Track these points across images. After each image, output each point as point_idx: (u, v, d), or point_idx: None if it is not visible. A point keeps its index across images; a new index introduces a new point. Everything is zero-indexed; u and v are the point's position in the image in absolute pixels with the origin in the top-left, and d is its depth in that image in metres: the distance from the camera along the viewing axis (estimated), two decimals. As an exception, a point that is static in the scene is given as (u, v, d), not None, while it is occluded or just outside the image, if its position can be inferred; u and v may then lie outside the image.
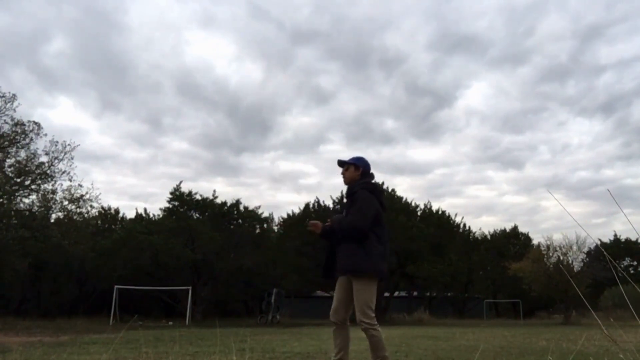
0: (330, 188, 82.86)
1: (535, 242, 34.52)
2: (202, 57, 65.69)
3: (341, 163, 3.89)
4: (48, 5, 55.50)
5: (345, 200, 3.99)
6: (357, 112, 70.04)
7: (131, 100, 62.61)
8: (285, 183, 68.06)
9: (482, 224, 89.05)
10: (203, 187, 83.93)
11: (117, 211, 30.50)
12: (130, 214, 30.18)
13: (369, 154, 68.15)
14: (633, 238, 37.63)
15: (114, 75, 59.19)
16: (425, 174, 67.52)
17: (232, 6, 65.00)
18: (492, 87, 70.09)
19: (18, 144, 20.40)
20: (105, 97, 59.45)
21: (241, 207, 28.23)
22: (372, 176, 3.90)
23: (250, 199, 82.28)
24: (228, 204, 27.90)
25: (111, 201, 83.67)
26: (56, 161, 20.79)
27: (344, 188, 3.94)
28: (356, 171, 3.82)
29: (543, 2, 62.54)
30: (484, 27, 63.38)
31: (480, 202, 66.59)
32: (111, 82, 60.13)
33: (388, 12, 63.53)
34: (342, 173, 3.89)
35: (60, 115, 59.70)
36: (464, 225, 33.16)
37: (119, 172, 62.65)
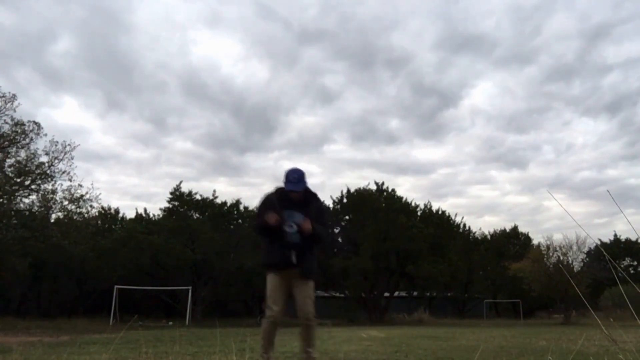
0: (333, 188, 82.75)
1: (535, 242, 34.55)
2: (208, 56, 65.84)
3: (306, 190, 4.09)
4: (55, 4, 55.59)
5: (284, 200, 4.05)
6: (361, 111, 70.09)
7: (136, 100, 62.75)
8: (288, 183, 68.17)
9: (485, 224, 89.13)
10: (206, 187, 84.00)
11: (117, 211, 30.52)
12: (131, 214, 30.22)
13: (373, 154, 68.21)
14: (633, 238, 37.66)
15: (119, 75, 59.34)
16: (428, 174, 67.58)
17: (239, 6, 65.10)
18: (497, 87, 70.16)
19: (18, 144, 20.38)
20: (110, 96, 59.56)
21: (241, 207, 28.24)
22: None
23: (253, 199, 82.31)
24: (228, 204, 27.91)
25: (114, 201, 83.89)
26: (56, 161, 20.78)
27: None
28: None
29: (550, 2, 62.67)
30: (491, 26, 63.48)
31: (482, 202, 66.68)
32: (116, 81, 60.29)
33: (395, 12, 63.66)
34: (296, 195, 4.02)
35: (64, 114, 59.85)
36: (464, 225, 33.22)
37: (122, 171, 62.80)
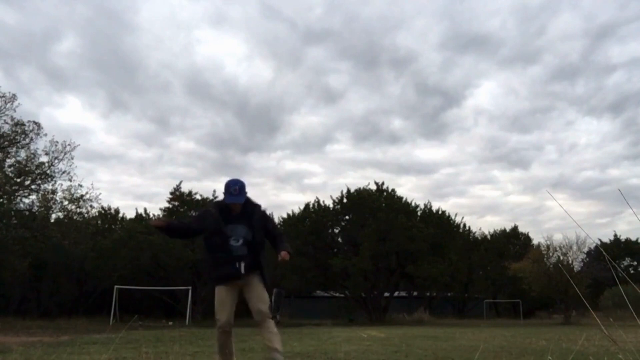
0: (335, 188, 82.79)
1: (535, 242, 34.55)
2: (213, 56, 65.85)
3: (247, 201, 4.11)
4: (60, 4, 55.60)
5: (231, 211, 4.07)
6: (365, 111, 70.04)
7: (140, 100, 62.81)
8: (290, 183, 68.22)
9: (486, 224, 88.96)
10: (208, 187, 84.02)
11: (117, 211, 30.49)
12: (131, 214, 30.21)
13: (375, 154, 68.18)
14: (633, 238, 37.68)
15: (123, 75, 59.37)
16: (431, 174, 67.55)
17: (244, 5, 65.12)
18: (501, 87, 70.09)
19: (18, 144, 20.41)
20: (114, 96, 59.60)
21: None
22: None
23: (254, 199, 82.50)
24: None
25: (115, 201, 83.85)
26: (56, 161, 20.82)
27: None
28: None
29: (556, 1, 62.62)
30: (496, 26, 63.40)
31: (484, 202, 66.63)
32: (120, 81, 60.34)
33: (400, 12, 63.66)
34: (237, 207, 4.03)
35: (67, 114, 59.87)
36: (464, 225, 33.19)
37: (125, 171, 62.83)
